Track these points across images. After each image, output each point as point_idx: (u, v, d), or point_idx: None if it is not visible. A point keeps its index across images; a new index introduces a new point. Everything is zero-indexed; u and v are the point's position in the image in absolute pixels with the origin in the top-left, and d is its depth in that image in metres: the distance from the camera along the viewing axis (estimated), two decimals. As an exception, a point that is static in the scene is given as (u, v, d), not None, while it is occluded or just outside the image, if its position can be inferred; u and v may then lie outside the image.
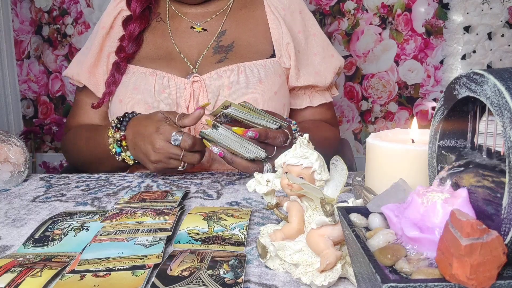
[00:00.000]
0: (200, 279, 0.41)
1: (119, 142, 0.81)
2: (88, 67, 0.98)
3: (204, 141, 0.72)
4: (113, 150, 0.82)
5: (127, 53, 0.93)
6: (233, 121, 0.72)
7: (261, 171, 0.73)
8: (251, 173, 0.72)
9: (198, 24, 0.98)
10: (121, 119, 0.82)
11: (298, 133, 0.81)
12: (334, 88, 1.05)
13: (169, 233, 0.52)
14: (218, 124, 0.71)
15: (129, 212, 0.59)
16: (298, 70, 0.96)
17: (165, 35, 0.97)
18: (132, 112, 0.84)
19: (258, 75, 0.90)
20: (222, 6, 0.99)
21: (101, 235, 0.51)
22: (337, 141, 1.08)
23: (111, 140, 0.81)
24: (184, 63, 0.93)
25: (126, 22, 0.96)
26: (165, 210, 0.59)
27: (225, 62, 0.91)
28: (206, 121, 0.72)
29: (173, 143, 0.72)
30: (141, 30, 0.95)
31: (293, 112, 1.02)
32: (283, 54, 0.96)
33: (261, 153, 0.70)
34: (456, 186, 0.37)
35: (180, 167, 0.75)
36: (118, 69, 0.92)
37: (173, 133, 0.72)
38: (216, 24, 0.98)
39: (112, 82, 0.92)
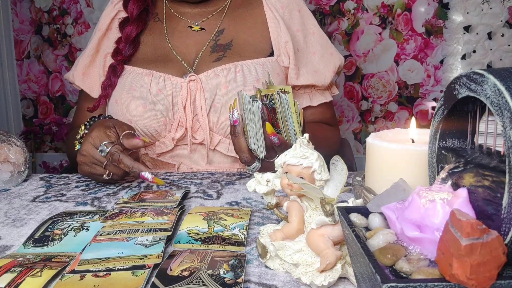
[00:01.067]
0: (200, 279, 0.41)
1: (80, 140, 0.79)
2: (82, 68, 0.98)
3: (234, 101, 0.72)
4: (76, 147, 0.80)
5: (124, 56, 0.93)
6: (271, 109, 0.71)
7: (248, 164, 0.74)
8: (240, 158, 0.74)
9: (196, 24, 0.97)
10: (94, 118, 0.82)
11: None
12: (334, 86, 1.04)
13: (169, 233, 0.52)
14: (257, 100, 0.69)
15: (129, 212, 0.59)
16: (298, 69, 0.96)
17: (162, 36, 0.97)
18: (108, 116, 0.84)
19: (255, 74, 0.89)
20: (220, 5, 0.99)
21: (101, 235, 0.51)
22: (338, 143, 1.08)
23: (77, 136, 0.80)
24: (181, 63, 0.93)
25: (123, 24, 0.96)
26: (165, 210, 0.59)
27: (223, 61, 0.91)
28: (258, 89, 0.70)
29: (98, 152, 0.71)
30: (138, 32, 0.95)
31: None
32: (282, 52, 0.95)
33: (261, 152, 0.71)
34: (456, 186, 0.37)
35: (105, 176, 0.73)
36: (114, 72, 0.92)
37: (103, 143, 0.71)
38: (214, 23, 0.97)
39: (108, 85, 0.92)
